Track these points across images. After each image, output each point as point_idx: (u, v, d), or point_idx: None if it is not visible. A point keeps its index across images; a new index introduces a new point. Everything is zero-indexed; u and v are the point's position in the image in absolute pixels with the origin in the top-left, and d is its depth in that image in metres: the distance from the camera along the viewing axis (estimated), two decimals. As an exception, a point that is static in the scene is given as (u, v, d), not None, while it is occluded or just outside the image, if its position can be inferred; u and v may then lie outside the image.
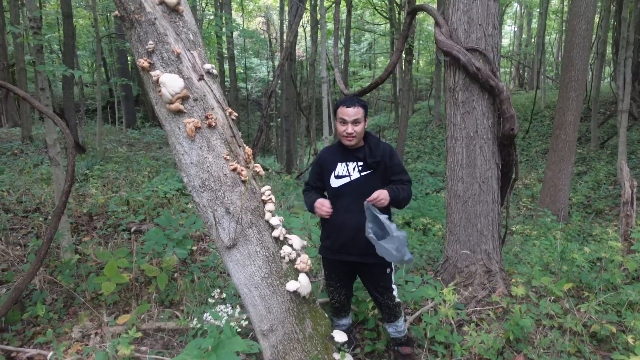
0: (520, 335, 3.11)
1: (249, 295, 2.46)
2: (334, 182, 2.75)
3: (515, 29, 34.83)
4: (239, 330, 1.93)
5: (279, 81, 18.57)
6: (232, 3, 26.18)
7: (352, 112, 2.61)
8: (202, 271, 3.89)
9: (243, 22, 30.52)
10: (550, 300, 3.57)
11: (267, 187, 2.49)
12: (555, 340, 3.12)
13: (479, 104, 3.81)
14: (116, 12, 2.25)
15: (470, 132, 3.88)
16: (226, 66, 18.04)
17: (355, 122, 2.63)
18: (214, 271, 4.01)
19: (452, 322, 3.27)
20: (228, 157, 2.32)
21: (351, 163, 2.73)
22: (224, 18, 12.67)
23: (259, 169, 2.48)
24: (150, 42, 2.19)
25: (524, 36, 33.46)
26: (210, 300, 2.06)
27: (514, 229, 7.89)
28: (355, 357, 3.14)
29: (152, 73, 2.21)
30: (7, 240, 4.49)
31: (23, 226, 5.09)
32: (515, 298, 3.52)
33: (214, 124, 2.27)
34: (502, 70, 34.74)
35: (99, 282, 3.07)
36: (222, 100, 2.36)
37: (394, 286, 2.96)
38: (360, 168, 2.71)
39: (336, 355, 2.65)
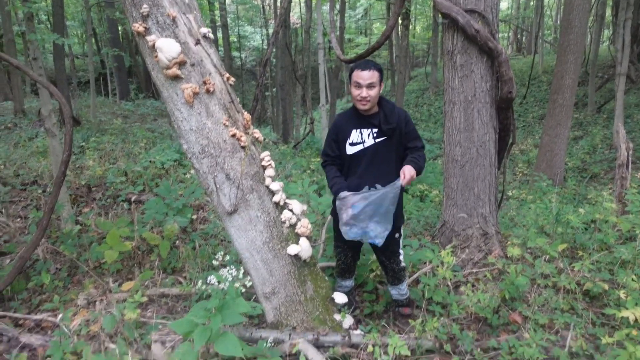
0: (516, 294, 3.19)
1: (250, 259, 2.50)
2: (349, 149, 2.73)
3: (514, -8, 34.06)
4: (243, 291, 1.98)
5: (274, 49, 18.25)
6: (224, -32, 25.44)
7: (367, 76, 2.57)
8: (203, 239, 3.94)
9: (235, -12, 29.75)
10: (545, 260, 3.66)
11: (267, 152, 2.49)
12: (549, 298, 3.21)
13: (477, 67, 3.78)
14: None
15: (468, 95, 3.87)
16: (219, 35, 17.67)
17: (370, 85, 2.58)
18: (215, 239, 4.06)
19: (449, 283, 3.35)
20: (227, 123, 2.32)
21: (365, 130, 2.70)
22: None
23: (258, 134, 2.48)
24: (145, 5, 2.15)
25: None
26: (214, 262, 2.10)
27: (510, 194, 7.97)
28: (355, 318, 3.22)
29: (148, 38, 2.18)
30: (8, 212, 4.51)
31: (22, 199, 5.11)
32: (511, 259, 3.59)
33: (212, 89, 2.26)
34: (500, 35, 34.21)
35: (101, 250, 3.12)
36: (219, 65, 2.34)
37: (401, 250, 3.02)
38: (374, 135, 2.69)
39: (337, 316, 2.72)
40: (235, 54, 29.76)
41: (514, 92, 3.71)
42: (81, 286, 3.15)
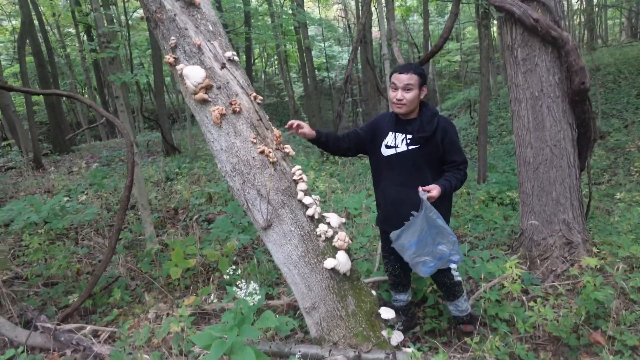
0: (598, 311, 2.79)
1: (289, 274, 2.52)
2: (384, 151, 2.66)
3: (625, -27, 30.61)
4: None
5: (359, 66, 18.42)
6: (308, -6, 26.49)
7: (404, 78, 2.50)
8: (268, 255, 4.05)
9: (319, 11, 30.71)
10: (639, 271, 3.15)
11: (298, 167, 2.51)
12: (644, 316, 2.75)
13: (541, 60, 3.44)
14: (142, 15, 2.41)
15: (534, 91, 3.54)
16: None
17: (407, 88, 2.50)
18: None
19: (519, 297, 3.03)
20: (255, 141, 2.38)
21: (400, 134, 2.62)
22: (290, 9, 12.85)
23: (289, 149, 2.52)
24: (173, 37, 2.32)
25: (635, -21, 29.32)
26: (225, 276, 2.15)
27: (619, 197, 7.04)
28: (414, 335, 3.06)
29: (177, 67, 2.34)
30: (105, 235, 5.07)
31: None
32: (588, 269, 3.15)
33: (238, 109, 2.34)
34: (610, 22, 30.79)
35: (167, 267, 3.36)
36: (246, 86, 2.42)
37: (451, 264, 2.82)
38: (408, 141, 2.59)
39: (384, 332, 2.60)
40: (324, 74, 30.59)
41: (587, 82, 3.31)
42: (152, 301, 3.41)
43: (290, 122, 2.61)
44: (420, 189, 2.39)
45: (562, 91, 3.48)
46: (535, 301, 3.09)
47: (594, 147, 5.39)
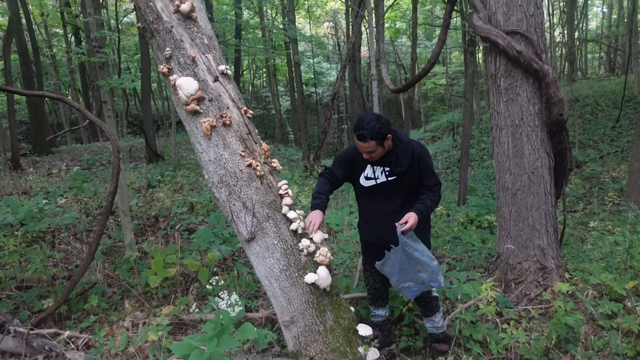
0: (569, 336, 2.87)
1: (269, 287, 2.54)
2: (364, 182, 2.77)
3: (605, 9, 31.88)
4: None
5: (346, 84, 18.66)
6: (300, 10, 26.80)
7: (364, 146, 2.55)
8: (248, 267, 4.05)
9: (310, 27, 31.06)
10: (608, 298, 3.26)
11: (284, 181, 2.55)
12: (611, 341, 2.84)
13: (523, 90, 3.58)
14: (138, 24, 2.45)
15: (515, 119, 3.67)
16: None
17: (369, 152, 2.59)
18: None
19: (493, 319, 3.10)
20: (243, 154, 2.42)
21: (378, 167, 2.72)
22: (282, 24, 13.01)
23: (275, 164, 2.56)
24: (168, 48, 2.36)
25: (614, 16, 30.54)
26: (208, 287, 2.17)
27: (592, 225, 7.25)
28: (390, 353, 3.09)
29: (171, 78, 2.38)
30: (83, 240, 4.99)
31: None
32: (560, 294, 3.25)
33: (228, 122, 2.38)
34: (590, 55, 31.86)
35: (146, 275, 3.34)
36: (237, 99, 2.47)
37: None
38: (387, 173, 2.70)
39: (361, 349, 2.63)
40: (311, 89, 30.83)
41: (565, 113, 3.45)
42: (129, 309, 3.37)
43: (311, 224, 2.58)
44: (397, 224, 2.55)
45: (541, 121, 3.61)
46: (508, 323, 3.16)
47: (570, 176, 5.56)
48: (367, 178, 2.76)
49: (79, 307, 3.43)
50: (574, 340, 2.92)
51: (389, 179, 2.70)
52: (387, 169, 2.69)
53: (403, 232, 2.54)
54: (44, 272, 3.86)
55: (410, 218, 2.57)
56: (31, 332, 2.79)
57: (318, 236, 2.60)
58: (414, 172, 2.68)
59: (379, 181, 2.71)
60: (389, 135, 2.56)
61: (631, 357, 2.73)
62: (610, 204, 10.21)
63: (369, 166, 2.73)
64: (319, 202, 2.67)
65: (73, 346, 2.86)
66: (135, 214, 6.03)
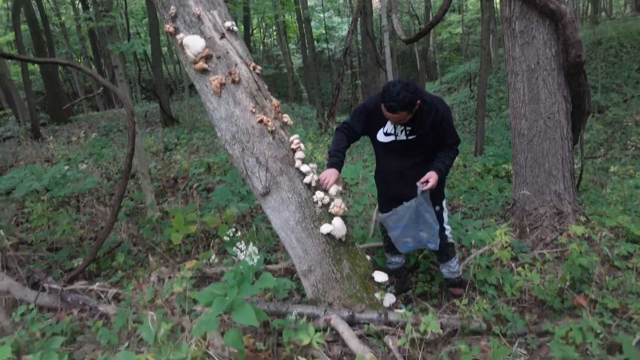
0: (583, 276, 2.91)
1: (286, 238, 2.62)
2: (382, 137, 2.76)
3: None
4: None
5: (359, 37, 18.19)
6: (308, -38, 25.77)
7: (394, 117, 2.50)
8: (266, 222, 4.16)
9: (320, -20, 29.97)
10: (624, 240, 3.27)
11: (296, 135, 2.58)
12: (625, 281, 2.88)
13: (539, 32, 3.47)
14: (142, -17, 2.42)
15: (531, 64, 3.58)
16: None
17: (399, 120, 2.55)
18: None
19: (508, 263, 3.16)
20: (254, 110, 2.44)
21: (399, 125, 2.68)
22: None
23: (287, 119, 2.58)
24: (172, 7, 2.34)
25: (642, -50, 28.61)
26: (225, 238, 2.26)
27: (613, 170, 7.14)
28: (406, 298, 3.20)
29: (177, 37, 2.37)
30: (106, 203, 5.16)
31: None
32: (576, 237, 3.26)
33: (237, 79, 2.39)
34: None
35: (169, 233, 3.46)
36: (245, 56, 2.47)
37: (446, 226, 2.96)
38: (407, 132, 2.68)
39: (377, 295, 2.73)
40: (323, 45, 30.14)
41: (584, 55, 3.35)
42: (154, 264, 3.53)
43: (325, 181, 2.57)
44: (417, 184, 2.60)
45: (558, 64, 3.52)
46: (523, 267, 3.22)
47: (591, 121, 5.41)
48: (386, 134, 2.74)
49: (107, 265, 3.60)
50: (588, 281, 2.96)
51: (409, 137, 2.69)
52: (408, 128, 2.67)
53: (423, 191, 2.58)
54: (71, 234, 4.03)
55: (432, 178, 2.60)
56: (64, 288, 2.96)
57: (333, 189, 2.64)
58: (436, 133, 2.67)
59: (398, 138, 2.71)
60: (418, 101, 2.52)
61: (645, 295, 2.76)
62: (633, 148, 9.98)
63: (389, 122, 2.70)
64: (335, 160, 2.66)
65: (104, 300, 3.03)
66: (154, 177, 6.17)
